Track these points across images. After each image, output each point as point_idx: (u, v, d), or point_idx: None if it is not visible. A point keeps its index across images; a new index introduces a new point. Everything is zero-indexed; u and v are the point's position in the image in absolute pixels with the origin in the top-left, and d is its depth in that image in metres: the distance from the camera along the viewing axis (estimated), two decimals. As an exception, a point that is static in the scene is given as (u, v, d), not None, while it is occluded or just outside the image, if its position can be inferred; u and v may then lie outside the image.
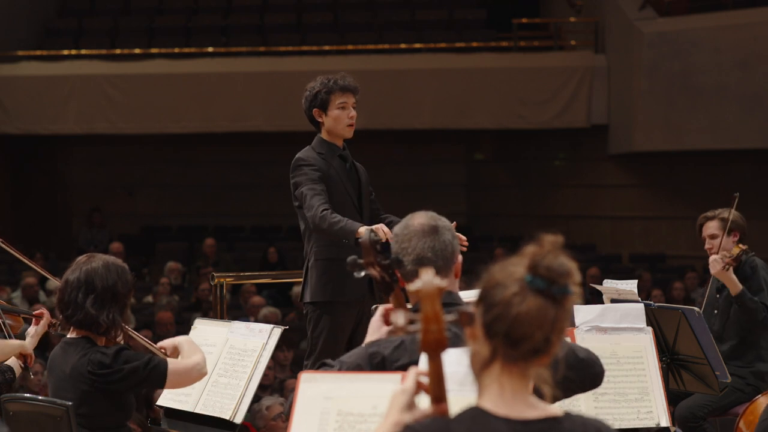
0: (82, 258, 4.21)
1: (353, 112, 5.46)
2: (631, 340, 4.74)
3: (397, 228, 3.33)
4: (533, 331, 2.24)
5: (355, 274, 3.26)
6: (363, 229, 5.13)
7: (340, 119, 5.45)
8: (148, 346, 4.43)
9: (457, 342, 2.48)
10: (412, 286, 2.32)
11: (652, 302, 5.42)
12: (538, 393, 2.34)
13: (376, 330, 3.37)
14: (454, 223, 5.26)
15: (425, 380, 2.38)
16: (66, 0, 18.20)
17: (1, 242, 5.22)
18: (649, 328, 4.81)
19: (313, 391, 2.88)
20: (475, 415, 2.28)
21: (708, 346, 5.28)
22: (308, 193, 5.30)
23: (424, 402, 2.40)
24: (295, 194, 5.40)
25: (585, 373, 3.35)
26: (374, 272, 3.23)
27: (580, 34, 16.49)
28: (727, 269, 5.91)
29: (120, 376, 4.03)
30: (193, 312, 11.42)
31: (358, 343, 5.44)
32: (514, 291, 2.25)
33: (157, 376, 4.07)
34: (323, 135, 5.52)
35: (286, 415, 6.27)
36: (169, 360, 4.12)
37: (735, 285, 5.91)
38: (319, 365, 3.31)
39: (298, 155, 5.47)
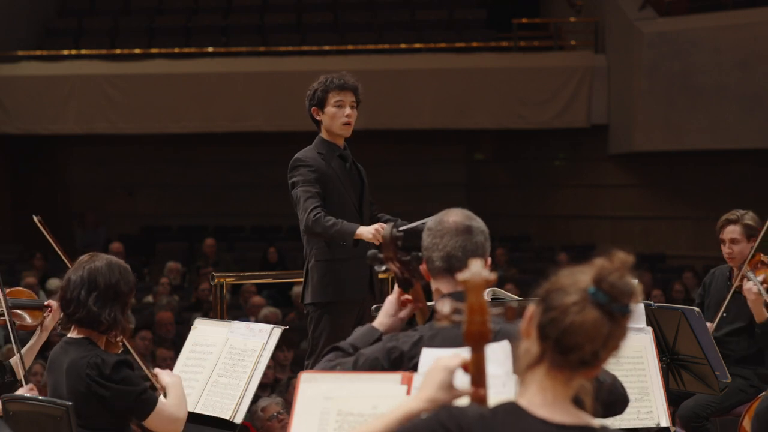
0: (84, 257, 4.21)
1: (349, 111, 5.45)
2: (631, 340, 4.72)
3: (431, 221, 3.30)
4: (584, 343, 2.25)
5: (376, 268, 3.26)
6: (364, 230, 5.13)
7: (336, 117, 5.44)
8: (143, 368, 4.44)
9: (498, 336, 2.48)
10: (461, 276, 2.33)
11: (652, 302, 5.40)
12: (578, 403, 2.34)
13: (389, 312, 3.34)
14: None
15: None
16: (66, 0, 18.20)
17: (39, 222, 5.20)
18: (649, 328, 4.80)
19: (313, 391, 2.88)
20: (511, 410, 2.29)
21: (708, 346, 5.27)
22: (302, 195, 5.29)
23: (462, 380, 2.40)
24: (291, 194, 5.40)
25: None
26: (394, 267, 3.23)
27: (580, 34, 16.49)
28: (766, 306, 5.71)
29: (109, 393, 4.01)
30: (193, 312, 11.42)
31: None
32: (575, 300, 2.26)
33: (141, 409, 4.04)
34: (323, 134, 5.51)
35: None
36: (160, 400, 4.09)
37: (762, 314, 5.75)
38: (330, 349, 3.29)
39: (296, 155, 5.47)
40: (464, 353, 2.38)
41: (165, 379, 4.21)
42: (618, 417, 4.60)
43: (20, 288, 5.37)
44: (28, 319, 5.09)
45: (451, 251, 3.21)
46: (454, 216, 3.27)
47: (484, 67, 15.58)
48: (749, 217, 5.94)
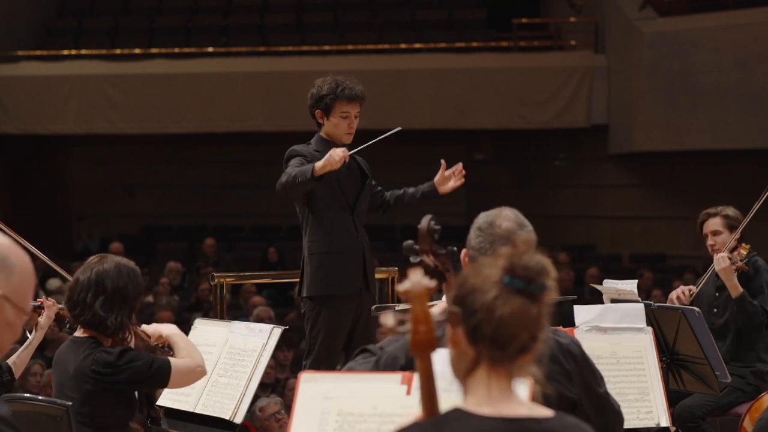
0: (94, 258, 4.19)
1: (354, 122, 5.50)
2: (631, 340, 4.74)
3: (482, 217, 3.25)
4: (519, 332, 2.26)
5: (411, 259, 3.27)
6: (321, 162, 5.14)
7: (340, 127, 5.48)
8: (140, 334, 4.44)
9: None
10: (400, 287, 2.33)
11: (652, 302, 5.41)
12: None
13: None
14: (443, 163, 5.35)
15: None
16: (66, 0, 18.20)
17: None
18: (649, 328, 4.80)
19: (313, 391, 2.88)
20: (456, 416, 2.28)
21: (708, 346, 5.28)
22: (289, 169, 5.34)
23: (416, 405, 2.39)
24: None
25: (601, 416, 3.31)
26: (428, 260, 3.23)
27: (580, 34, 16.50)
28: (737, 272, 5.86)
29: (125, 376, 4.03)
30: (193, 312, 11.42)
31: (358, 341, 5.49)
32: (495, 294, 2.26)
33: (160, 376, 4.08)
34: (323, 134, 5.53)
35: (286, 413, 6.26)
36: (172, 360, 4.12)
37: (736, 288, 5.85)
38: (361, 350, 3.28)
39: (292, 147, 5.50)
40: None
41: (157, 332, 4.22)
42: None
43: None
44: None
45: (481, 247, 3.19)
46: (507, 222, 3.21)
47: (484, 67, 15.58)
48: (729, 210, 6.05)
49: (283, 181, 5.28)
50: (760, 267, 5.98)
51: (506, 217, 3.23)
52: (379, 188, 5.71)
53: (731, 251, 5.96)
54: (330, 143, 5.50)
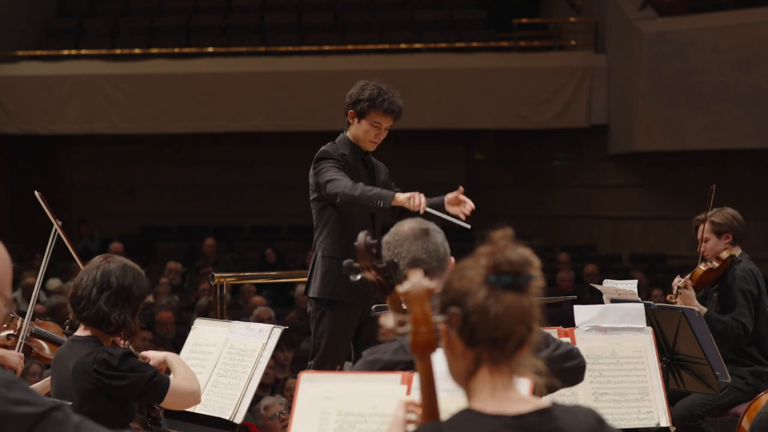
0: (99, 258, 4.21)
1: (383, 135, 5.52)
2: (631, 340, 4.74)
3: (387, 236, 3.39)
4: (516, 327, 2.27)
5: (351, 278, 3.28)
6: (400, 196, 5.10)
7: (368, 134, 5.49)
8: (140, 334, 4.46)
9: None
10: (401, 288, 2.33)
11: (652, 302, 5.41)
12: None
13: None
14: (460, 188, 5.30)
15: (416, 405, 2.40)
16: (66, 0, 18.21)
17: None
18: (649, 328, 4.81)
19: (313, 391, 2.89)
20: (467, 416, 2.29)
21: (708, 346, 5.28)
22: (334, 175, 5.30)
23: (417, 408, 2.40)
24: (318, 182, 5.38)
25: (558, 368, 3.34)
26: (370, 276, 3.24)
27: (580, 34, 16.50)
28: (677, 294, 5.90)
29: (122, 383, 4.03)
30: (193, 312, 11.42)
31: (363, 345, 5.47)
32: (485, 294, 2.26)
33: (157, 392, 4.09)
34: (349, 135, 5.53)
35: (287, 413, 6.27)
36: (172, 380, 4.14)
37: (700, 308, 5.87)
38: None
39: (322, 148, 5.49)
40: (404, 397, 2.40)
41: (159, 357, 4.25)
42: (618, 417, 4.61)
43: (51, 323, 5.41)
44: (47, 351, 5.13)
45: (415, 255, 3.31)
46: (409, 224, 3.38)
47: (484, 67, 15.58)
48: (718, 215, 6.05)
49: (356, 194, 5.17)
50: (736, 278, 5.97)
51: (407, 222, 3.40)
52: (397, 190, 5.70)
53: (717, 258, 5.97)
54: (355, 146, 5.51)
